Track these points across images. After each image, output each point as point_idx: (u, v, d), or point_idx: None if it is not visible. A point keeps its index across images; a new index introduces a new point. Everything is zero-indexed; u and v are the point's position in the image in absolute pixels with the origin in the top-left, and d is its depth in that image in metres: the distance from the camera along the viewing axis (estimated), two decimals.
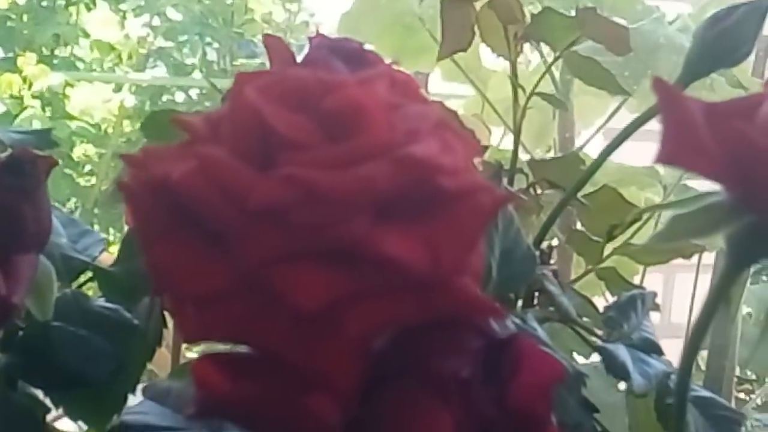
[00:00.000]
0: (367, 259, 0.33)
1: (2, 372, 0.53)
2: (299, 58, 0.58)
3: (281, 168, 0.34)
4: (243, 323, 0.34)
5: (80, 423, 0.56)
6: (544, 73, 0.73)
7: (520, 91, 0.71)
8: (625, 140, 0.57)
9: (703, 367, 1.26)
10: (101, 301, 0.56)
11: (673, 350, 0.69)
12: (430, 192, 0.34)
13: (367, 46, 0.57)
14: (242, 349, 0.36)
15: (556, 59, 0.72)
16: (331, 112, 0.35)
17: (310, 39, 0.57)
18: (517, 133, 0.70)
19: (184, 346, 0.70)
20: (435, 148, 0.35)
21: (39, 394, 0.55)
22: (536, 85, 0.70)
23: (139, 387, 0.56)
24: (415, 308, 0.35)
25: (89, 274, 0.58)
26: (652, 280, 1.14)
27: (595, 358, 0.76)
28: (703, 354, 1.29)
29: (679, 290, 1.67)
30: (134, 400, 0.56)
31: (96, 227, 3.71)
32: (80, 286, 0.57)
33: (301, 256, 0.33)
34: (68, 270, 0.56)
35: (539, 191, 0.71)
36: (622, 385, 0.96)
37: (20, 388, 0.54)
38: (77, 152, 3.68)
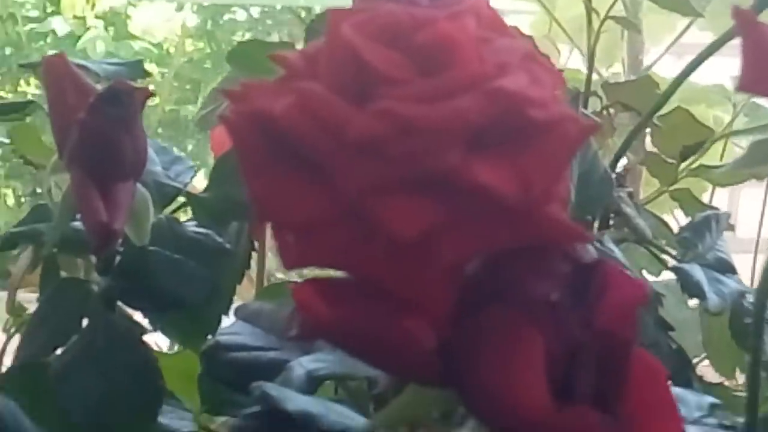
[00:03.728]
0: (461, 188, 0.35)
1: (102, 294, 0.55)
2: None
3: (377, 102, 0.35)
4: (341, 251, 0.36)
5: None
6: None
7: (593, 14, 0.71)
8: (702, 63, 0.58)
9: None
10: (192, 226, 0.58)
11: (740, 266, 0.69)
12: (520, 123, 0.36)
13: None
14: (340, 275, 0.37)
15: None
16: (424, 47, 0.36)
17: None
18: (590, 56, 0.71)
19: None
20: (524, 81, 0.36)
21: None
22: (610, 8, 0.71)
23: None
24: (505, 235, 0.36)
25: (179, 201, 0.60)
26: (718, 196, 1.14)
27: (665, 276, 0.77)
28: None
29: (745, 205, 1.67)
30: (226, 321, 0.58)
31: None
32: (172, 212, 0.60)
33: (398, 186, 0.35)
34: (161, 196, 0.58)
35: (613, 113, 0.72)
36: (692, 302, 0.98)
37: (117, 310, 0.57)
38: None
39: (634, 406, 0.37)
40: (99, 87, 0.52)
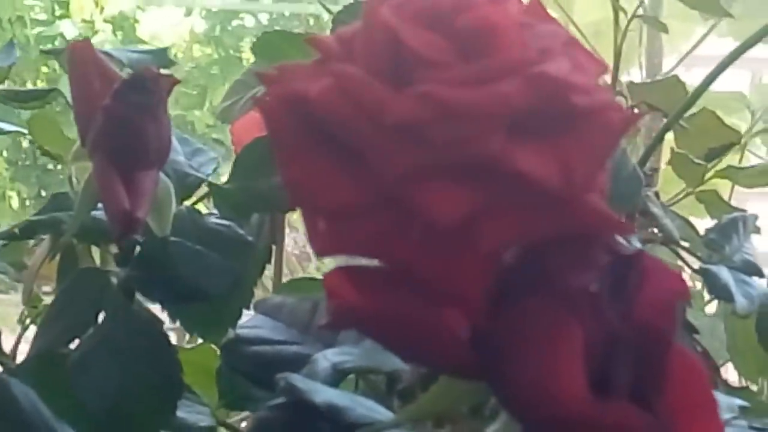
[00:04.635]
0: (502, 175, 0.34)
1: (122, 285, 0.54)
2: None
3: (416, 86, 0.34)
4: (376, 238, 0.35)
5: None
6: None
7: (621, 13, 0.70)
8: (730, 65, 0.57)
9: None
10: (213, 218, 0.57)
11: None
12: (563, 110, 0.35)
13: None
14: (373, 263, 0.36)
15: None
16: (465, 31, 0.35)
17: None
18: (617, 55, 0.70)
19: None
20: (567, 67, 0.35)
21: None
22: (638, 8, 0.70)
23: None
24: (546, 223, 0.35)
25: (199, 194, 0.59)
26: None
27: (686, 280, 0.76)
28: None
29: None
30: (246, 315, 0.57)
31: None
32: (193, 204, 0.59)
33: (437, 172, 0.34)
34: (183, 187, 0.57)
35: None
36: (708, 309, 0.97)
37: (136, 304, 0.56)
38: None
39: (673, 403, 0.36)
40: (124, 74, 0.51)
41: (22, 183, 3.97)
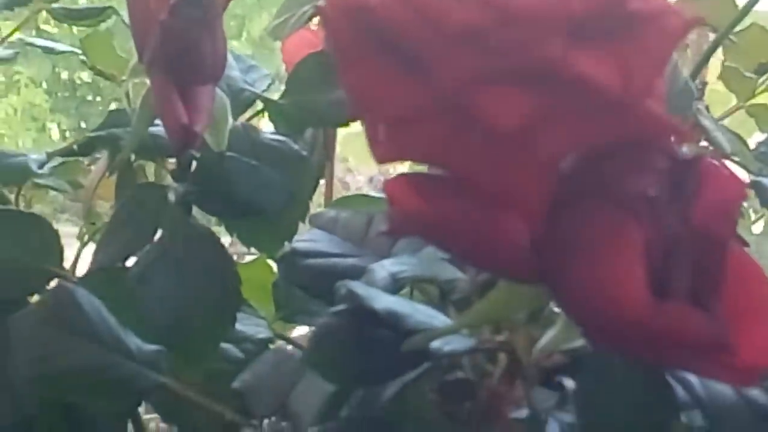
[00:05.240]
0: (561, 80, 0.34)
1: (179, 200, 0.55)
2: None
3: None
4: (436, 144, 0.36)
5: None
6: None
7: None
8: None
9: None
10: (268, 133, 0.58)
11: None
12: (622, 15, 0.35)
13: None
14: (435, 170, 0.37)
15: None
16: None
17: None
18: None
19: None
20: None
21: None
22: None
23: None
24: (604, 129, 0.36)
25: (252, 110, 0.60)
26: None
27: None
28: None
29: None
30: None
31: None
32: (247, 120, 0.59)
33: (497, 77, 0.34)
34: (238, 102, 0.57)
35: None
36: (755, 228, 0.97)
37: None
38: None
39: (732, 306, 0.37)
40: None
41: (62, 114, 3.98)
